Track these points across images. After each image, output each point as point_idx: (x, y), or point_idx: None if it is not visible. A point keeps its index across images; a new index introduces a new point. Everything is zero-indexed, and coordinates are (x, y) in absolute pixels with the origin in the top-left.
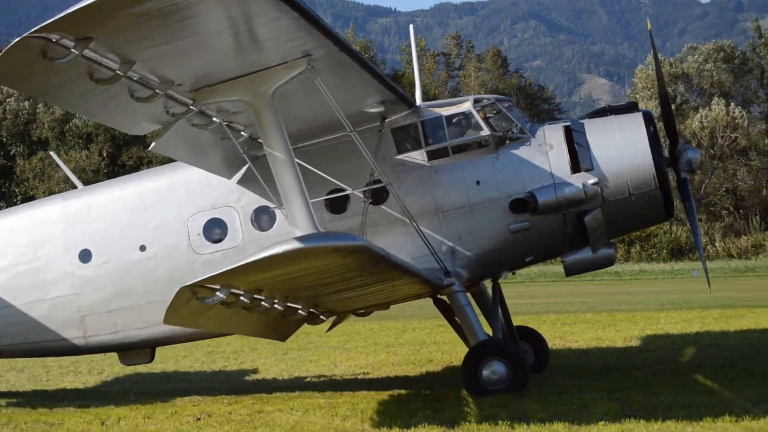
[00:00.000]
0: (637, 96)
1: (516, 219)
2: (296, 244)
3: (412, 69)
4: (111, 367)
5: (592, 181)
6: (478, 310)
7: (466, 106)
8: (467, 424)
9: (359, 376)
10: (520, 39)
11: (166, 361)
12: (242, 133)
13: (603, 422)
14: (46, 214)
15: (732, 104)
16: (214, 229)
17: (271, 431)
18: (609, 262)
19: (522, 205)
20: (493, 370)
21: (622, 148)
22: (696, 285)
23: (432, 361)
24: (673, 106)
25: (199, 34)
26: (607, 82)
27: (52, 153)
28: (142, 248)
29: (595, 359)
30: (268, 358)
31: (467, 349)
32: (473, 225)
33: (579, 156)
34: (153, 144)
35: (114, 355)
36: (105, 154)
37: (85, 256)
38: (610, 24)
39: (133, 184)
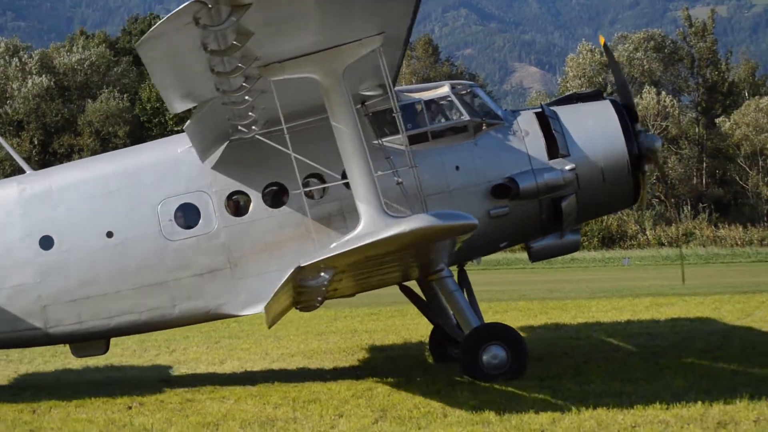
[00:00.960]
0: (568, 85)
1: (496, 204)
2: (431, 222)
3: None
4: (42, 356)
5: (569, 167)
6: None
7: (445, 90)
8: (398, 411)
9: (291, 365)
10: (451, 27)
11: None
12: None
13: (534, 410)
14: (2, 199)
15: (663, 93)
16: (186, 215)
17: (203, 419)
18: (575, 247)
19: (503, 190)
20: (494, 354)
21: (596, 135)
22: (627, 273)
23: (363, 349)
24: (604, 95)
25: (301, 9)
26: (538, 70)
27: None
28: (109, 234)
29: (528, 347)
30: (199, 346)
31: (398, 336)
32: (453, 210)
33: (556, 142)
34: (189, 121)
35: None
36: (36, 142)
37: (46, 242)
38: (541, 13)
39: (95, 166)
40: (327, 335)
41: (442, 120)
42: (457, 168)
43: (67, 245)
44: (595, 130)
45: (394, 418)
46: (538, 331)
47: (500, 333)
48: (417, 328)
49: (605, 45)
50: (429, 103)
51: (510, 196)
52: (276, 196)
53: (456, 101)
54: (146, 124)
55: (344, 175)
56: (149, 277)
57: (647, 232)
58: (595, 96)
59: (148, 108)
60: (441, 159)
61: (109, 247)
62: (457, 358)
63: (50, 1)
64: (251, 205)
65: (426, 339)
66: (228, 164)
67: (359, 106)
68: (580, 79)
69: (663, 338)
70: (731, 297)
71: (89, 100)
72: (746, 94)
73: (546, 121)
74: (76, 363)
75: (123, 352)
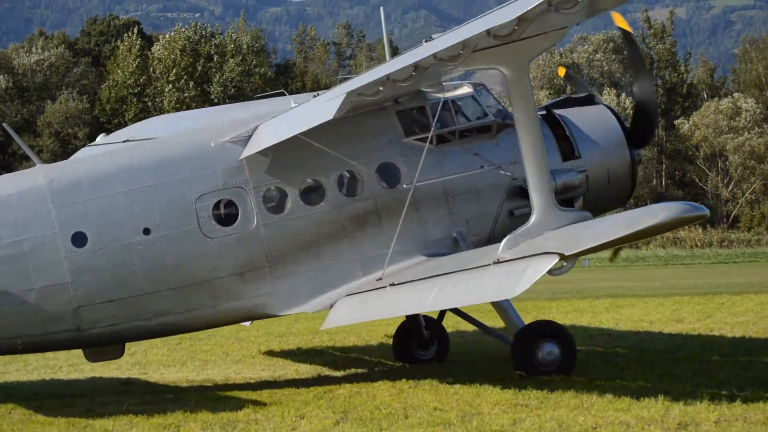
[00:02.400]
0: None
1: (518, 204)
2: (684, 211)
3: (303, 58)
4: (1, 359)
5: (581, 168)
6: None
7: (467, 90)
8: (359, 413)
9: (252, 366)
10: (411, 29)
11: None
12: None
13: (495, 411)
14: (29, 193)
15: (623, 95)
16: (225, 212)
17: (164, 421)
18: None
19: (526, 190)
20: (549, 351)
21: (602, 138)
22: (587, 274)
23: (324, 350)
24: (563, 97)
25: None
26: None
27: (6, 126)
28: (146, 231)
29: (489, 348)
30: (160, 348)
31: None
32: (479, 209)
33: (570, 144)
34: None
35: None
36: None
37: (79, 239)
38: None
39: (124, 159)
40: (287, 336)
41: (467, 119)
42: (482, 167)
43: (102, 242)
44: (601, 133)
45: (355, 419)
46: (497, 332)
47: (553, 330)
48: (377, 329)
49: (567, 74)
50: (454, 102)
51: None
52: (312, 194)
53: (479, 101)
54: (106, 126)
55: (379, 171)
56: (189, 276)
57: None
58: (588, 100)
59: (107, 109)
60: (468, 158)
61: (147, 245)
62: (422, 359)
63: (9, 1)
64: (289, 202)
65: (387, 340)
66: (266, 159)
67: (391, 102)
68: (540, 80)
69: (623, 339)
70: (691, 298)
71: (48, 101)
72: (705, 96)
73: (555, 123)
74: (36, 364)
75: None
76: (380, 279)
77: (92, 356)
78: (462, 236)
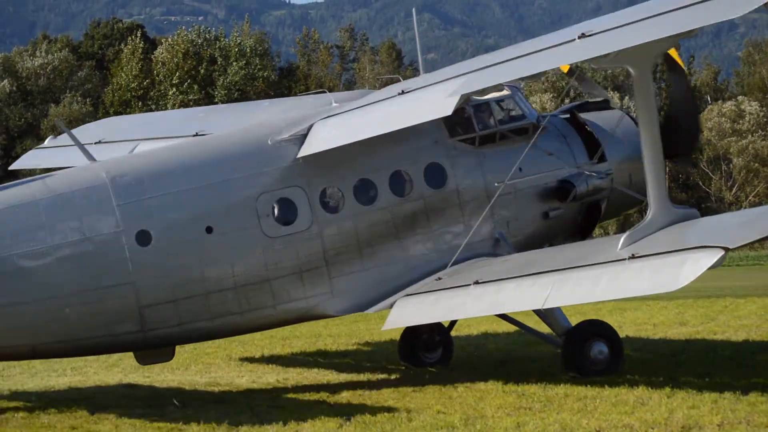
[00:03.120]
0: (531, 88)
1: (552, 206)
2: None
3: (307, 61)
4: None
5: (607, 171)
6: None
7: (507, 91)
8: (363, 416)
9: (255, 369)
10: (414, 32)
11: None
12: None
13: (498, 414)
14: (93, 190)
15: (626, 98)
16: (284, 210)
17: (167, 424)
18: None
19: (562, 192)
20: (600, 350)
21: (625, 141)
22: None
23: (328, 353)
24: (567, 101)
25: None
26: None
27: (58, 121)
28: (209, 230)
29: (492, 351)
30: None
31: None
32: (518, 211)
33: (598, 146)
34: None
35: None
36: None
37: (143, 237)
38: (504, 17)
39: (183, 155)
40: (291, 340)
41: (508, 121)
42: (521, 169)
43: (166, 241)
44: (622, 136)
45: (358, 422)
46: (501, 335)
47: (602, 329)
48: (381, 332)
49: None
50: (496, 103)
51: (566, 198)
52: (366, 193)
53: (518, 102)
54: None
55: (427, 171)
56: (251, 276)
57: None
58: (604, 105)
59: (111, 112)
60: (508, 160)
61: (210, 244)
62: (427, 362)
63: (12, 5)
64: (344, 201)
65: (390, 343)
66: (321, 159)
67: None
68: (542, 84)
69: (627, 343)
70: (694, 301)
71: (52, 105)
72: (709, 99)
73: (580, 126)
74: (39, 366)
75: (85, 357)
76: (440, 279)
77: (144, 359)
78: (503, 237)
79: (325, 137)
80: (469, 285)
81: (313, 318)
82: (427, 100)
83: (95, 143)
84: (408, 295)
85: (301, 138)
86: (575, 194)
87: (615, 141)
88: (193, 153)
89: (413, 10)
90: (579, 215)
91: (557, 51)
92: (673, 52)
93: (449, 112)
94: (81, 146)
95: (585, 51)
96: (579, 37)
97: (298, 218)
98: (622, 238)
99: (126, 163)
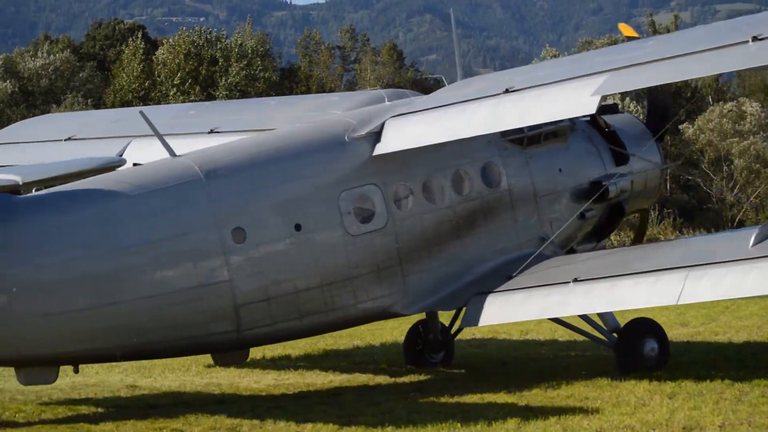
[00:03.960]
0: None
1: (588, 207)
2: None
3: (308, 62)
4: None
5: (629, 173)
6: None
7: None
8: (364, 417)
9: (256, 370)
10: (415, 33)
11: None
12: None
13: (499, 415)
14: (188, 185)
15: (627, 98)
16: (362, 208)
17: (168, 425)
18: None
19: (600, 193)
20: (651, 347)
21: (640, 143)
22: None
23: (329, 355)
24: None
25: None
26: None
27: (141, 111)
28: (297, 227)
29: (493, 352)
30: None
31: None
32: (559, 211)
33: (622, 148)
34: None
35: None
36: None
37: (238, 234)
38: (506, 18)
39: (265, 149)
40: (292, 340)
41: (549, 122)
42: (560, 170)
43: (259, 238)
44: (637, 139)
45: (360, 424)
46: (503, 335)
47: (651, 327)
48: (382, 333)
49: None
50: None
51: (602, 199)
52: (432, 192)
53: None
54: None
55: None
56: (335, 275)
57: (612, 237)
58: (614, 108)
59: None
60: (550, 161)
61: (299, 241)
62: (433, 362)
63: (14, 5)
64: (413, 199)
65: (391, 344)
66: (394, 156)
67: None
68: None
69: None
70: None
71: (54, 105)
72: (710, 100)
73: (602, 128)
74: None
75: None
76: (511, 277)
77: (223, 359)
78: (548, 237)
79: (407, 135)
80: (569, 282)
81: (388, 317)
82: (565, 98)
83: (65, 140)
84: (481, 293)
85: (375, 135)
86: (608, 195)
87: (632, 143)
88: (279, 147)
89: (450, 10)
90: (603, 217)
91: (724, 54)
92: (629, 30)
93: (593, 110)
94: (162, 140)
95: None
96: (752, 40)
97: (376, 216)
98: (756, 232)
99: (215, 156)
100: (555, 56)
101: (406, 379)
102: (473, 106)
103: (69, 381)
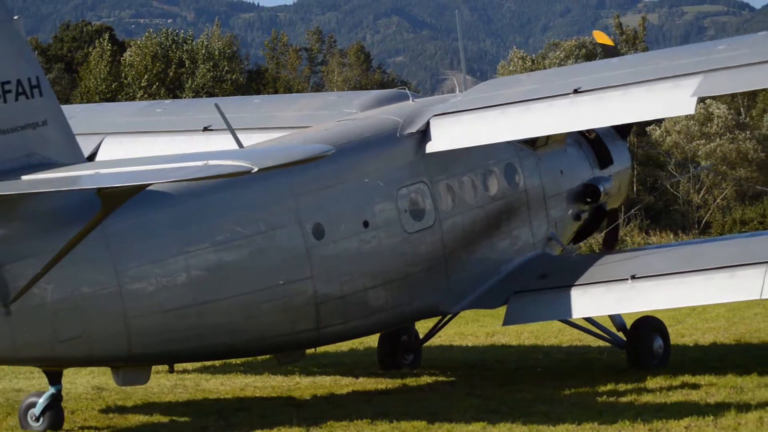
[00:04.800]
0: None
1: (583, 209)
2: None
3: (275, 63)
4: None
5: (611, 174)
6: None
7: None
8: (328, 423)
9: (223, 372)
10: (383, 35)
11: None
12: None
13: (464, 419)
14: (270, 181)
15: None
16: (415, 205)
17: (132, 427)
18: None
19: (592, 195)
20: (660, 344)
21: (618, 149)
22: None
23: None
24: None
25: None
26: (470, 78)
27: (216, 104)
28: (366, 224)
29: (458, 354)
30: None
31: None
32: (562, 213)
33: (606, 152)
34: None
35: None
36: None
37: (318, 231)
38: (473, 20)
39: (331, 143)
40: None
41: None
42: (562, 172)
43: (336, 235)
44: (611, 140)
45: (324, 427)
46: (468, 338)
47: (657, 324)
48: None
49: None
50: None
51: (595, 201)
52: (469, 190)
53: None
54: None
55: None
56: (395, 273)
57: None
58: None
59: None
60: (555, 162)
61: (367, 239)
62: (406, 364)
63: None
64: (454, 198)
65: (358, 348)
66: (439, 155)
67: None
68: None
69: (595, 348)
70: None
71: None
72: None
73: (585, 132)
74: (13, 370)
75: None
76: (545, 277)
77: (284, 358)
78: (555, 237)
79: (458, 133)
80: (626, 280)
81: (436, 315)
82: (660, 99)
83: None
84: (521, 292)
85: (422, 134)
86: (600, 197)
87: (613, 149)
88: (340, 143)
89: (456, 12)
90: (588, 218)
91: None
92: (603, 37)
93: (692, 111)
94: (233, 132)
95: None
96: None
97: (426, 214)
98: None
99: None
100: (522, 58)
101: (370, 381)
102: (540, 106)
103: (69, 380)
